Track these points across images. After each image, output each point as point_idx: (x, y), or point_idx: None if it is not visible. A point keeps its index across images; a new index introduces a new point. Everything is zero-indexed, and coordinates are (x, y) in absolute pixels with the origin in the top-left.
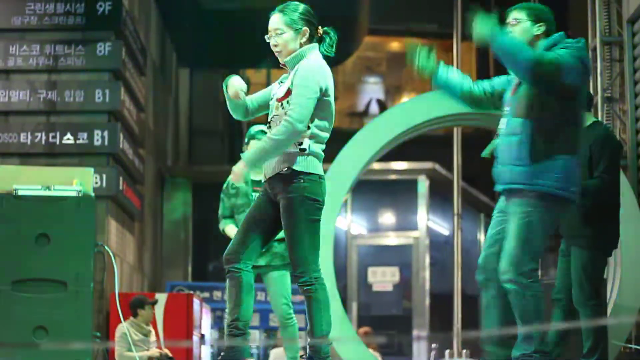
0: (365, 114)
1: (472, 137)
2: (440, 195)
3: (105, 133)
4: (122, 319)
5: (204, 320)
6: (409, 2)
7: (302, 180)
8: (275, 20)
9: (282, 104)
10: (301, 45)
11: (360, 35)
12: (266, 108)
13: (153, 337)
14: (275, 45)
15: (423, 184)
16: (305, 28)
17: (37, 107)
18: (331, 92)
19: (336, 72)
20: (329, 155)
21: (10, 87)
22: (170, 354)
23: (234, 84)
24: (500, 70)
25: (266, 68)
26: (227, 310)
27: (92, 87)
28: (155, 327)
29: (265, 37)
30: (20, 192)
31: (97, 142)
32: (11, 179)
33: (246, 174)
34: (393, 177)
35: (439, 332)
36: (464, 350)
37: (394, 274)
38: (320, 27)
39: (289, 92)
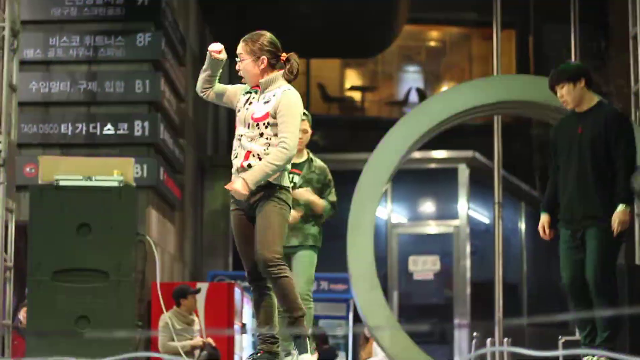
0: (404, 103)
1: (512, 125)
2: (480, 184)
3: (146, 123)
4: (163, 308)
5: (245, 309)
6: None
7: (277, 189)
8: (240, 47)
9: (258, 125)
10: (261, 72)
11: (400, 24)
12: (220, 100)
13: (197, 326)
14: (238, 70)
15: (463, 173)
16: (263, 57)
17: (78, 98)
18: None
19: (375, 61)
20: (369, 144)
21: (51, 78)
22: (213, 343)
23: (224, 51)
24: (540, 60)
25: (305, 58)
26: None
27: (132, 77)
28: (195, 316)
29: (236, 59)
30: (62, 183)
31: (137, 132)
32: (52, 169)
33: None
34: (433, 165)
35: (480, 321)
36: (506, 339)
37: (434, 262)
38: (283, 54)
39: (267, 115)
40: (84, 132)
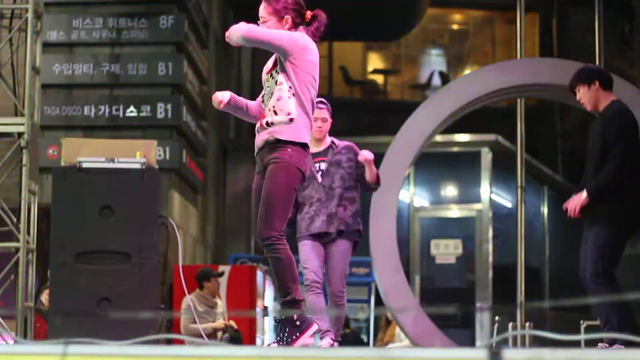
0: (427, 86)
1: (535, 109)
2: (503, 168)
3: (169, 106)
4: (186, 291)
5: (267, 292)
6: None
7: (288, 149)
8: (261, 9)
9: (271, 75)
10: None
11: (423, 7)
12: None
13: (220, 309)
14: None
15: (486, 156)
16: (287, 16)
17: (101, 80)
18: (315, 61)
19: (399, 44)
20: (391, 127)
21: (74, 60)
22: (235, 326)
23: (214, 100)
24: (564, 43)
25: (328, 41)
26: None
27: (155, 60)
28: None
29: (257, 22)
30: (84, 165)
31: (160, 114)
32: (75, 151)
33: None
34: (456, 149)
35: (502, 305)
36: (528, 323)
37: (456, 246)
38: (308, 12)
39: (276, 63)
40: (106, 115)
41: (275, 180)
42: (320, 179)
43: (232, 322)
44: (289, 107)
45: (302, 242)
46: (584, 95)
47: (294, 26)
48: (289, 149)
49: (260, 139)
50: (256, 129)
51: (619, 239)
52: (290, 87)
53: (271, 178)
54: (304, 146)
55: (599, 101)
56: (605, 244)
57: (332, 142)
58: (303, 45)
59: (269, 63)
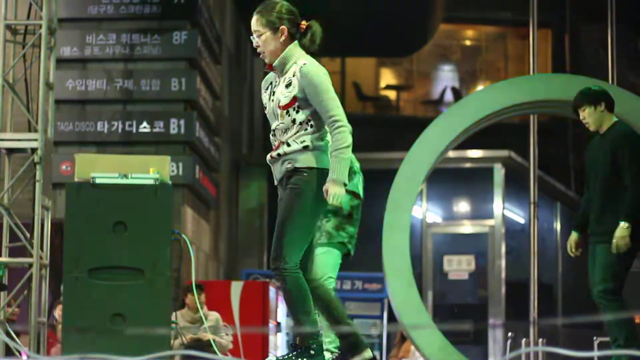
0: (440, 102)
1: (548, 124)
2: (516, 183)
3: (182, 121)
4: (198, 306)
5: (280, 308)
6: None
7: (304, 174)
8: (254, 21)
9: (288, 112)
10: (282, 45)
11: (435, 23)
12: None
13: (210, 323)
14: (257, 47)
15: (499, 172)
16: (282, 27)
17: (114, 95)
18: None
19: (411, 60)
20: (404, 143)
21: (87, 76)
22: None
23: None
24: (577, 58)
25: (340, 57)
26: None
27: (168, 75)
28: (230, 314)
29: (251, 37)
30: (98, 181)
31: (173, 130)
32: (88, 167)
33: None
34: (468, 165)
35: (515, 321)
36: (541, 339)
37: (469, 262)
38: (303, 22)
39: (294, 100)
40: (120, 130)
41: (289, 204)
42: None
43: (202, 335)
44: (303, 138)
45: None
46: (589, 116)
47: (290, 37)
48: (305, 174)
49: (277, 170)
50: (269, 159)
51: (627, 257)
52: (308, 121)
53: (285, 204)
54: (323, 170)
55: (603, 122)
56: (614, 262)
57: None
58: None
59: (283, 98)
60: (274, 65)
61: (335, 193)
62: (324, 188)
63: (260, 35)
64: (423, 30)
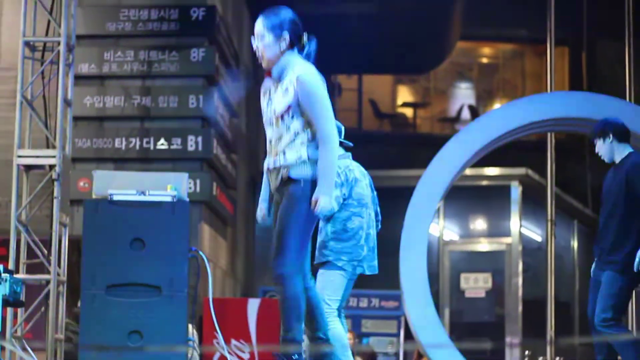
0: (457, 119)
1: (565, 142)
2: (533, 201)
3: (199, 138)
4: (215, 324)
5: None
6: (501, 7)
7: (300, 184)
8: (258, 23)
9: (283, 119)
10: (282, 52)
11: (453, 41)
12: None
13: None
14: (256, 49)
15: (516, 190)
16: (285, 33)
17: (132, 112)
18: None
19: (428, 77)
20: (420, 161)
21: (105, 92)
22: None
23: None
24: (594, 76)
25: (357, 74)
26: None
27: (185, 92)
28: (247, 332)
29: (251, 38)
30: (115, 197)
31: (190, 147)
32: (106, 184)
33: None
34: (485, 182)
35: (532, 339)
36: (557, 358)
37: (486, 280)
38: (304, 36)
39: (289, 108)
40: (137, 147)
41: (284, 217)
42: None
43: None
44: (299, 149)
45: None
46: (600, 148)
47: (290, 46)
48: (301, 184)
49: (273, 178)
50: (266, 168)
51: (631, 286)
52: (303, 129)
53: (282, 213)
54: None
55: (614, 153)
56: (618, 291)
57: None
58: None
59: (279, 106)
60: (272, 71)
61: (322, 205)
62: (313, 199)
63: (262, 37)
64: (440, 48)
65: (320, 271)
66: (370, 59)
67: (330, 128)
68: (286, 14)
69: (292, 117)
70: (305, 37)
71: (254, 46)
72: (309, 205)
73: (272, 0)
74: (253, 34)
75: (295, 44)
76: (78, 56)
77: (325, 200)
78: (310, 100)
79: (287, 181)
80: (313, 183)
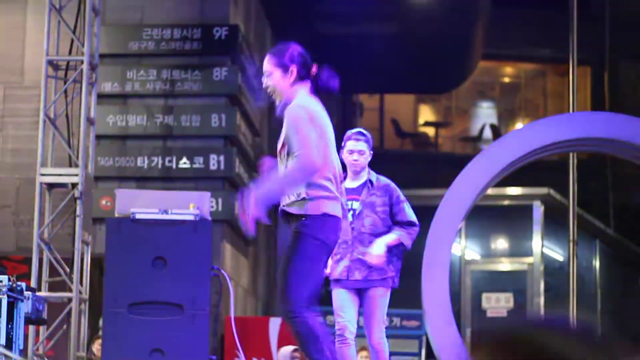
0: (478, 139)
1: (587, 162)
2: (555, 221)
3: (222, 157)
4: (237, 343)
5: None
6: (523, 26)
7: (301, 220)
8: (265, 61)
9: (281, 156)
10: (290, 86)
11: (474, 60)
12: None
13: None
14: (267, 88)
15: (538, 210)
16: (292, 68)
17: (154, 131)
18: (323, 127)
19: (450, 97)
20: (442, 180)
21: (128, 111)
22: None
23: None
24: (616, 96)
25: (379, 94)
26: None
27: (208, 111)
28: (268, 351)
29: (262, 78)
30: (138, 216)
31: (213, 166)
32: (129, 203)
33: None
34: (507, 202)
35: None
36: None
37: (508, 299)
38: (315, 66)
39: (284, 144)
40: (160, 166)
41: (288, 254)
42: (350, 219)
43: None
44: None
45: (334, 289)
46: None
47: (298, 78)
48: (304, 218)
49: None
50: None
51: None
52: None
53: (287, 249)
54: (323, 215)
55: None
56: None
57: (370, 180)
58: (312, 119)
59: (279, 141)
60: (276, 108)
61: (248, 200)
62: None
63: (271, 74)
64: (462, 67)
65: (378, 289)
66: (392, 78)
67: (305, 153)
68: (291, 48)
69: (288, 153)
70: (314, 68)
71: (264, 84)
72: (314, 241)
73: (294, 19)
74: None
75: (303, 76)
76: (101, 75)
77: (252, 196)
78: (290, 133)
79: (289, 217)
80: (316, 219)
